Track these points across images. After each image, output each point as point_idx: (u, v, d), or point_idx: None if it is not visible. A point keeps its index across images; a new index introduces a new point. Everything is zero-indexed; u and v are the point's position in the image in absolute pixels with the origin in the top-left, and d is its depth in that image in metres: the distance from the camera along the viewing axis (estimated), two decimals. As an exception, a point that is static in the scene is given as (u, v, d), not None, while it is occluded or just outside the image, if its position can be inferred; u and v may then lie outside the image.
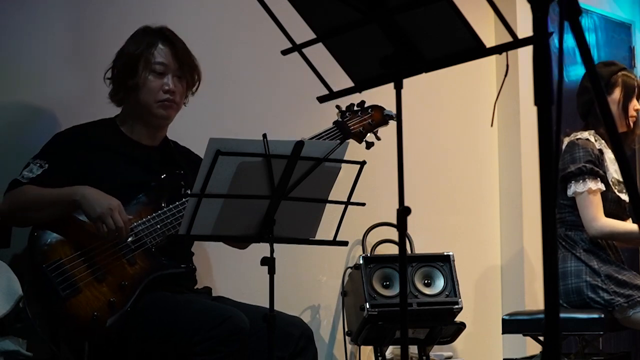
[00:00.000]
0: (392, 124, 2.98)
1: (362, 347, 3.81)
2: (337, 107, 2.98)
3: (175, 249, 2.77)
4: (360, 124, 2.99)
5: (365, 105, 3.00)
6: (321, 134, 2.89)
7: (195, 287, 2.93)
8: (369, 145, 2.98)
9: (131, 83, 2.80)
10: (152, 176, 2.79)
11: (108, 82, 2.88)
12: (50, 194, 2.66)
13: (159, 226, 2.69)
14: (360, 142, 2.99)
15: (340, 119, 2.96)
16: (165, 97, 2.82)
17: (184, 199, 2.73)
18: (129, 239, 2.65)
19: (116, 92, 2.86)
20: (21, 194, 2.68)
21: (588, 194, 3.55)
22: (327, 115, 3.19)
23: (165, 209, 2.72)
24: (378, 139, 3.03)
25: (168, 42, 2.86)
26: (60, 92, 3.13)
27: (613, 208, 3.61)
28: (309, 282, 3.82)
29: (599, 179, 3.57)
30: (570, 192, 3.59)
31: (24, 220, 2.72)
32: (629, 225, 3.58)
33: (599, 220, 3.55)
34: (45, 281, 2.56)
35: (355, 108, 2.99)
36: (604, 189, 3.57)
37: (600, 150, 3.62)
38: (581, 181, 3.56)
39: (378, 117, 3.02)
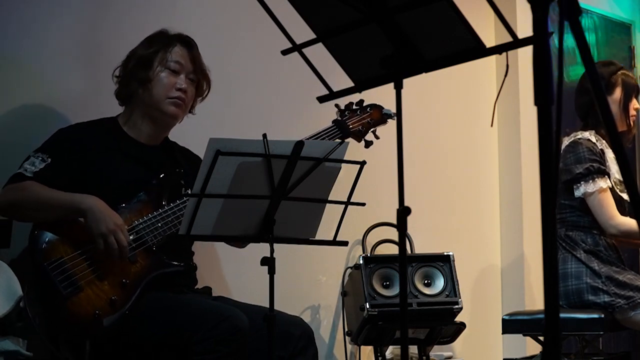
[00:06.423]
0: (391, 122, 2.99)
1: (362, 347, 3.81)
2: (337, 105, 2.99)
3: (176, 247, 2.77)
4: (360, 122, 3.00)
5: (364, 104, 3.01)
6: (320, 132, 2.90)
7: (196, 287, 2.93)
8: (368, 144, 3.00)
9: (143, 75, 2.81)
10: (152, 174, 2.79)
11: (115, 80, 2.89)
12: (56, 197, 2.65)
13: (159, 224, 2.69)
14: (359, 141, 3.00)
15: (339, 118, 2.98)
16: (177, 94, 2.84)
17: (184, 198, 2.73)
18: (130, 237, 2.65)
19: (125, 86, 2.86)
20: (24, 190, 2.67)
21: (599, 193, 3.55)
22: (327, 115, 3.19)
23: (166, 208, 2.72)
24: (377, 137, 3.04)
25: (186, 44, 2.90)
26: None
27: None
28: (309, 282, 3.82)
29: (607, 176, 3.57)
30: (579, 193, 3.58)
31: (22, 216, 2.72)
32: None
33: (616, 218, 3.55)
34: (46, 280, 2.55)
35: (354, 107, 3.01)
36: (611, 186, 3.58)
37: (602, 150, 3.62)
38: (591, 181, 3.55)
39: (377, 116, 3.04)
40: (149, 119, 2.88)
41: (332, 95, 2.08)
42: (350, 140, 2.98)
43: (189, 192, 2.79)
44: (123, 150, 2.83)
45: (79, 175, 2.72)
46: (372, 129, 3.03)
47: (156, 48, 2.85)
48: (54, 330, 2.58)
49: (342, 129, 2.94)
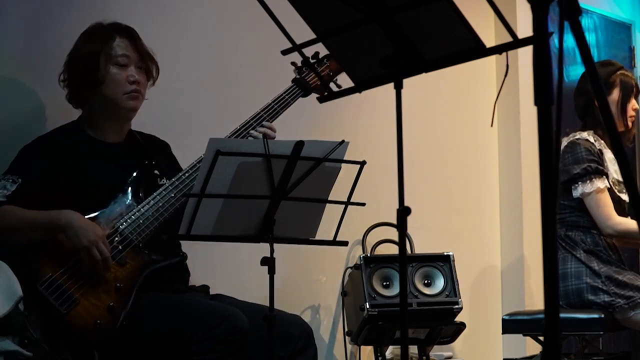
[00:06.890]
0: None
1: (362, 347, 3.81)
2: (293, 64, 2.90)
3: (162, 241, 2.72)
4: (319, 76, 2.90)
5: (321, 56, 2.91)
6: (281, 94, 2.85)
7: (191, 285, 2.92)
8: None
9: (94, 78, 2.76)
10: (125, 173, 2.76)
11: (62, 85, 2.82)
12: (34, 217, 2.62)
13: (141, 221, 2.67)
14: (322, 94, 2.93)
15: (298, 76, 2.91)
16: (132, 87, 2.79)
17: (161, 189, 2.70)
18: (116, 239, 2.63)
19: (77, 91, 2.81)
20: (1, 215, 2.63)
21: (596, 194, 3.55)
22: (327, 114, 3.19)
23: (144, 203, 2.69)
24: (339, 87, 2.93)
25: (126, 34, 2.83)
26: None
27: (614, 208, 3.61)
28: (309, 282, 3.82)
29: (604, 177, 3.57)
30: (577, 194, 3.58)
31: (5, 242, 2.65)
32: None
33: (613, 219, 3.55)
34: (42, 300, 2.52)
35: (311, 61, 2.89)
36: (609, 186, 3.58)
37: (600, 151, 3.62)
38: (588, 181, 3.55)
39: (334, 65, 2.92)
40: (110, 118, 2.83)
41: (332, 95, 2.08)
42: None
43: (164, 181, 2.78)
44: (92, 154, 2.79)
45: (53, 189, 2.69)
46: (333, 80, 2.92)
47: (98, 46, 2.78)
48: (57, 343, 2.56)
49: (303, 87, 2.87)
